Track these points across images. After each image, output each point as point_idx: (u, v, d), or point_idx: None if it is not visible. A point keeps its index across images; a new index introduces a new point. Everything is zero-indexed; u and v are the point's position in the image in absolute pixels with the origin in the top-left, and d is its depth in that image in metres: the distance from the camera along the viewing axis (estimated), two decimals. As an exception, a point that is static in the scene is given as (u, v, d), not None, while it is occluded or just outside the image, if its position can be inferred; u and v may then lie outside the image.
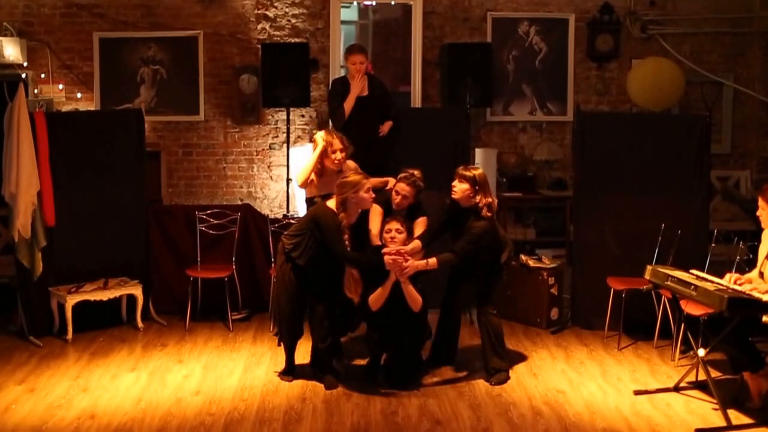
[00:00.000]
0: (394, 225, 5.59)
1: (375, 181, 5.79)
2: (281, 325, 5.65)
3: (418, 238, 5.64)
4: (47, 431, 4.85)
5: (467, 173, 5.55)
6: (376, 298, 5.46)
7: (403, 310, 5.49)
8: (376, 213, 5.77)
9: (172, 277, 7.11)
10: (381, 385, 5.53)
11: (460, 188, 5.55)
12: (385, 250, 5.43)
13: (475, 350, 5.93)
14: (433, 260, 5.46)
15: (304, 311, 5.63)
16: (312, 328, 5.65)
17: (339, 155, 5.84)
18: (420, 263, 5.43)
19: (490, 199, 5.55)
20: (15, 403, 5.26)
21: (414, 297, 5.45)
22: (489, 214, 5.53)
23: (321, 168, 5.88)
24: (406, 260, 5.37)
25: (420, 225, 5.76)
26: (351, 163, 6.03)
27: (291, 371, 5.77)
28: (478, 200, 5.52)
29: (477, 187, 5.52)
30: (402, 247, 5.43)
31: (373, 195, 5.52)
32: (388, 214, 5.76)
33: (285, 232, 5.68)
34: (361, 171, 5.66)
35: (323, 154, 5.84)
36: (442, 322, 5.93)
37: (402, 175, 5.70)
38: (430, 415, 5.10)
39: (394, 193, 5.71)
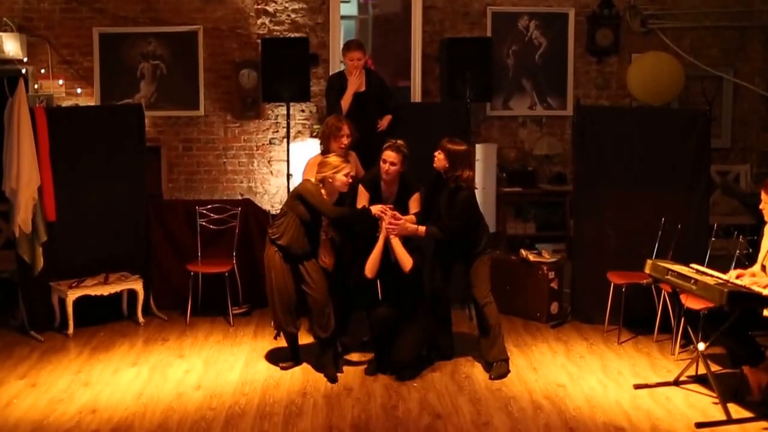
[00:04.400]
0: (394, 211, 5.68)
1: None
2: (275, 315, 5.70)
3: (414, 214, 5.84)
4: (49, 426, 4.86)
5: (450, 146, 5.68)
6: (371, 263, 5.61)
7: (400, 283, 5.62)
8: (362, 197, 5.92)
9: (173, 272, 7.12)
10: (382, 378, 5.55)
11: (439, 159, 5.70)
12: (374, 207, 5.65)
13: (475, 344, 5.93)
14: (422, 228, 5.66)
15: (295, 299, 5.65)
16: (311, 318, 5.69)
17: (346, 140, 6.02)
18: (410, 226, 5.65)
19: (469, 173, 5.70)
20: (16, 397, 5.27)
21: (404, 256, 5.59)
22: (468, 185, 5.69)
23: (326, 151, 5.97)
24: (396, 219, 5.59)
25: (415, 201, 5.91)
26: (352, 154, 6.11)
27: (291, 358, 5.83)
28: (458, 173, 5.65)
29: (455, 160, 5.64)
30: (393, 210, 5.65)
31: (351, 180, 5.67)
32: (375, 197, 5.88)
33: (269, 226, 5.82)
34: (345, 156, 5.84)
35: (330, 136, 6.02)
36: (434, 318, 5.95)
37: (387, 144, 5.84)
38: (431, 409, 5.11)
39: (381, 162, 5.82)
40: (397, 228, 5.59)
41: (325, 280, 5.64)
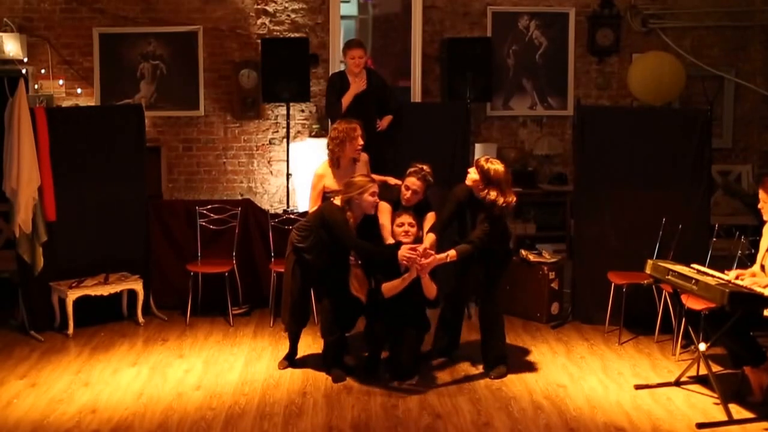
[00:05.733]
0: (407, 219, 5.59)
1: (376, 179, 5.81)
2: (286, 314, 5.69)
3: (430, 230, 5.65)
4: (49, 426, 4.86)
5: (483, 164, 5.52)
6: (392, 288, 5.46)
7: (407, 301, 5.51)
8: (385, 211, 5.75)
9: (173, 272, 7.12)
10: (382, 379, 5.54)
11: (470, 177, 5.56)
12: (401, 251, 5.38)
13: (476, 344, 5.92)
14: (452, 252, 5.45)
15: (309, 303, 5.65)
16: (320, 321, 5.69)
17: (361, 141, 5.90)
18: (441, 256, 5.43)
19: (501, 199, 5.48)
20: (17, 397, 5.27)
21: (430, 286, 5.48)
22: (496, 213, 5.51)
23: (339, 159, 5.90)
24: (426, 256, 5.36)
25: (429, 220, 5.75)
26: (365, 156, 6.07)
27: (290, 358, 5.83)
28: (484, 194, 5.50)
29: (487, 181, 5.49)
30: (421, 246, 5.43)
31: (378, 200, 5.50)
32: (394, 207, 5.76)
33: (295, 225, 5.75)
34: (370, 175, 5.70)
35: (346, 140, 5.86)
36: (446, 314, 5.93)
37: (411, 169, 5.66)
38: (431, 409, 5.10)
39: (404, 188, 5.68)
40: (429, 265, 5.40)
41: (341, 291, 5.57)
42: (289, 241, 5.68)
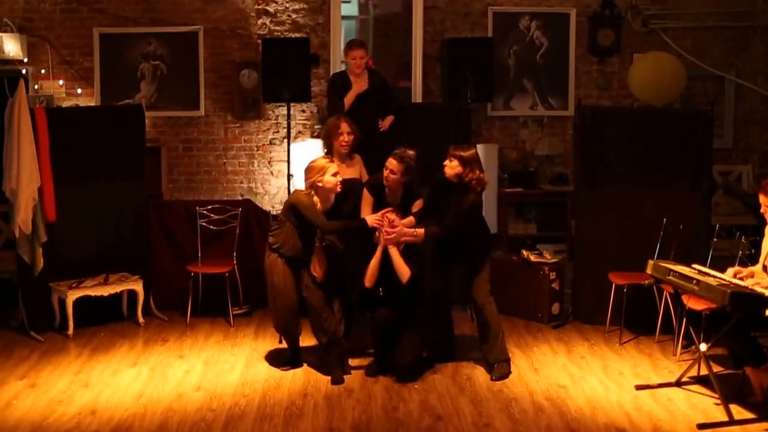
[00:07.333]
0: (392, 216, 5.63)
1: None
2: (277, 320, 5.69)
3: (413, 214, 5.77)
4: (48, 426, 4.85)
5: (459, 153, 5.63)
6: (368, 272, 5.55)
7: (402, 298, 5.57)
8: (366, 201, 5.87)
9: (173, 273, 7.11)
10: (383, 379, 5.54)
11: (451, 167, 5.63)
12: (370, 217, 5.56)
13: (476, 345, 5.91)
14: (420, 231, 5.59)
15: (297, 304, 5.64)
16: (310, 324, 5.69)
17: (346, 137, 6.01)
18: (408, 231, 5.56)
19: (479, 174, 5.63)
20: (16, 398, 5.26)
21: (401, 267, 5.53)
22: (477, 188, 5.63)
23: (330, 149, 5.98)
24: (393, 224, 5.50)
25: (417, 207, 5.85)
26: (357, 156, 6.13)
27: (291, 362, 5.82)
28: (468, 178, 5.60)
29: (465, 165, 5.60)
30: (390, 213, 5.57)
31: (340, 179, 5.58)
32: (380, 202, 5.83)
33: (269, 232, 5.79)
34: (329, 156, 5.84)
35: (330, 136, 6.06)
36: (434, 318, 5.93)
37: (395, 151, 5.78)
38: (432, 411, 5.09)
39: (384, 167, 5.78)
40: (394, 236, 5.51)
41: (323, 285, 5.60)
42: (266, 249, 5.70)
